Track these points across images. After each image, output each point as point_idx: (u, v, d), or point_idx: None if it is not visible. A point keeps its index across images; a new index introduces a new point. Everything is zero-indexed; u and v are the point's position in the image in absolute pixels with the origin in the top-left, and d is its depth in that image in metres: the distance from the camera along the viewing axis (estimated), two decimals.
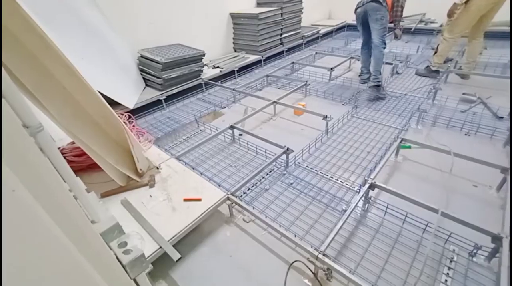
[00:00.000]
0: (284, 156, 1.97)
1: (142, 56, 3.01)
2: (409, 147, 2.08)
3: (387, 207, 1.55)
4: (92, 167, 1.67)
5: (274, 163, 1.97)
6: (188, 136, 2.47)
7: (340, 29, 6.05)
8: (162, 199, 1.53)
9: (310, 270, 1.28)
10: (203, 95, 3.29)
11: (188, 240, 1.51)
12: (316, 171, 1.96)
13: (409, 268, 1.30)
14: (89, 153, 1.35)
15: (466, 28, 2.94)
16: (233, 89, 3.08)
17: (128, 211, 1.43)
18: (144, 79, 3.12)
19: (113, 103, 2.34)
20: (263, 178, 1.93)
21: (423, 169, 1.93)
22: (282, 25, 4.25)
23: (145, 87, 3.09)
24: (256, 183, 1.88)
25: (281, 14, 4.13)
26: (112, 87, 2.33)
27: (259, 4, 4.40)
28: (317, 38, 5.31)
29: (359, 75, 3.43)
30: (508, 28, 4.28)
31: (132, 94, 2.70)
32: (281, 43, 4.43)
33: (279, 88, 3.39)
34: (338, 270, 1.17)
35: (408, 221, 1.49)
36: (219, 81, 3.45)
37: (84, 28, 2.27)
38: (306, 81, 3.17)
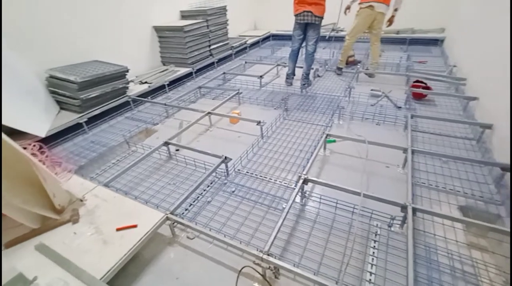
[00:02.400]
0: (223, 165, 1.98)
1: (51, 76, 2.65)
2: (334, 141, 2.33)
3: (320, 198, 1.69)
4: None
5: (214, 174, 1.96)
6: (118, 160, 2.26)
7: (266, 39, 6.44)
8: (90, 234, 1.36)
9: (259, 272, 1.31)
10: (132, 114, 3.08)
11: (128, 272, 1.38)
12: (255, 175, 2.02)
13: (344, 249, 1.44)
14: None
15: (359, 31, 3.71)
16: (165, 104, 2.96)
17: (46, 256, 1.22)
18: (58, 101, 2.76)
19: (17, 133, 2.00)
20: (204, 190, 1.90)
21: (347, 158, 2.18)
22: (209, 37, 4.31)
23: (59, 111, 2.73)
24: (198, 197, 1.84)
25: (207, 26, 4.19)
26: (13, 115, 1.98)
27: (183, 17, 4.37)
28: (245, 48, 5.54)
29: (286, 79, 3.70)
30: (395, 35, 5.27)
31: (42, 120, 2.34)
32: (210, 55, 4.48)
33: (213, 99, 3.40)
34: (283, 266, 1.22)
35: (339, 207, 1.66)
36: (149, 97, 3.28)
37: None
38: (238, 90, 3.27)
